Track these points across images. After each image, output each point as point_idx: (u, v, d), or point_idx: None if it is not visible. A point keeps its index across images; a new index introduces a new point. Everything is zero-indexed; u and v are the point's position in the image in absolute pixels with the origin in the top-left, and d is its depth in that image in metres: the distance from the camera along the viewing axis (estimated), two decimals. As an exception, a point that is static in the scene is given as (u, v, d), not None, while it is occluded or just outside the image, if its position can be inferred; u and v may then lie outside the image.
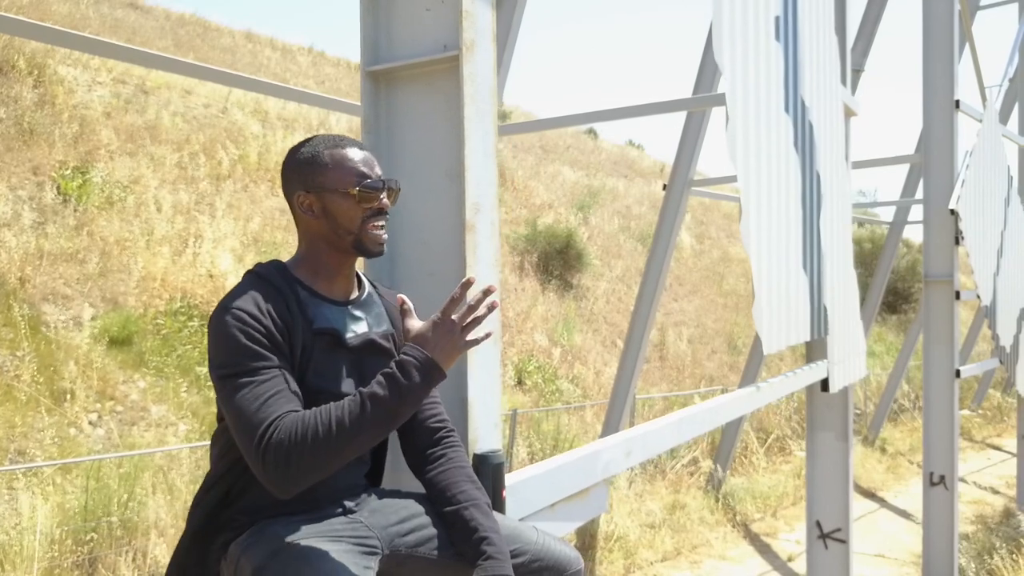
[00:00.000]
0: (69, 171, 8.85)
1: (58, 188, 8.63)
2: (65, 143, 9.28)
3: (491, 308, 1.36)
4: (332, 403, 1.28)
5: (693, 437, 2.84)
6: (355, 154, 1.49)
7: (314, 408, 1.28)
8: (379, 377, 1.30)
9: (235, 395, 1.28)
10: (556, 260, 14.12)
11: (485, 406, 1.72)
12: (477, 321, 1.35)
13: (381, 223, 1.48)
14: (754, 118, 2.98)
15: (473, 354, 1.68)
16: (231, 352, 1.30)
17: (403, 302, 1.54)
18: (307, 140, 1.52)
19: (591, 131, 24.24)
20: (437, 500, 1.49)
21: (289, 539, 1.29)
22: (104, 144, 9.74)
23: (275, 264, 1.49)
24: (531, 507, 1.79)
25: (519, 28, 5.65)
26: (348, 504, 1.45)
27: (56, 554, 5.13)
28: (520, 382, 11.13)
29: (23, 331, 6.87)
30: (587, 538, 7.83)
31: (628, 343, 8.14)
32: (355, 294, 1.54)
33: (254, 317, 1.33)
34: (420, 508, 1.50)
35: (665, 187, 8.10)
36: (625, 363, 8.13)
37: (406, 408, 1.29)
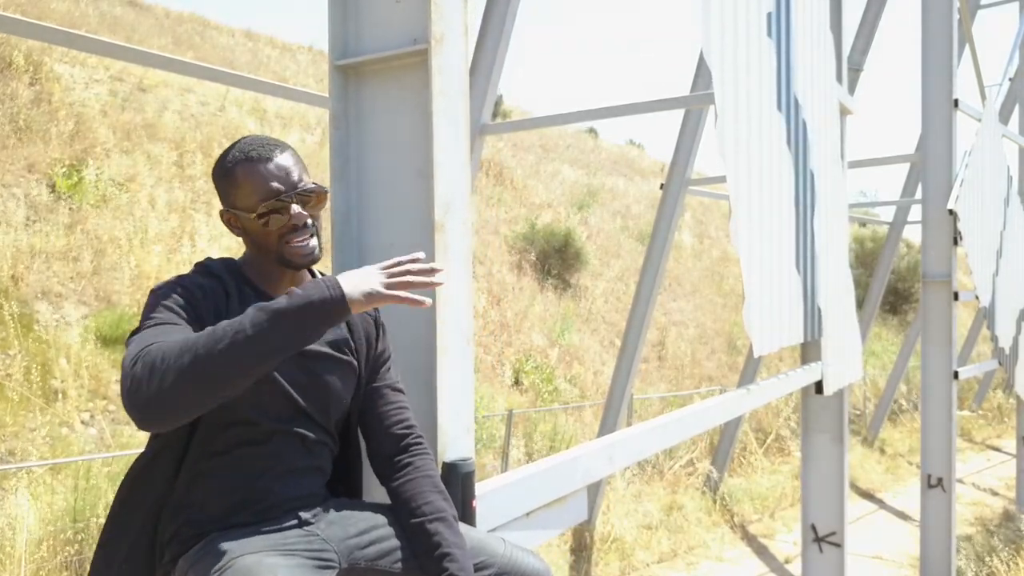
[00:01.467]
0: (64, 169, 8.80)
1: (53, 186, 8.58)
2: (61, 141, 9.23)
3: (427, 276, 1.24)
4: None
5: (680, 441, 2.79)
6: (264, 168, 1.37)
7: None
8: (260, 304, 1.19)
9: (137, 335, 1.23)
10: (554, 259, 14.06)
11: (456, 411, 1.67)
12: (406, 280, 1.22)
13: (301, 238, 1.38)
14: (745, 115, 2.93)
15: (442, 354, 1.63)
16: (152, 310, 1.28)
17: None
18: (233, 145, 1.44)
19: (591, 130, 24.17)
20: (401, 511, 1.43)
21: (238, 553, 1.23)
22: (100, 142, 9.69)
23: (226, 260, 1.45)
24: (505, 516, 1.73)
25: (514, 19, 5.61)
26: (304, 515, 1.39)
27: (45, 554, 5.09)
28: (517, 382, 11.08)
29: (15, 329, 6.82)
30: (583, 539, 7.79)
31: (625, 343, 8.10)
32: None
33: (185, 289, 1.31)
34: (383, 519, 1.44)
35: (663, 186, 8.04)
36: (622, 363, 8.09)
37: (294, 321, 1.14)
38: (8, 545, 4.98)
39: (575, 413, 10.69)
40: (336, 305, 1.16)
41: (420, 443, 1.50)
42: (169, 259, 8.77)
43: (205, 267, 1.41)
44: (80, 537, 5.31)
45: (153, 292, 1.33)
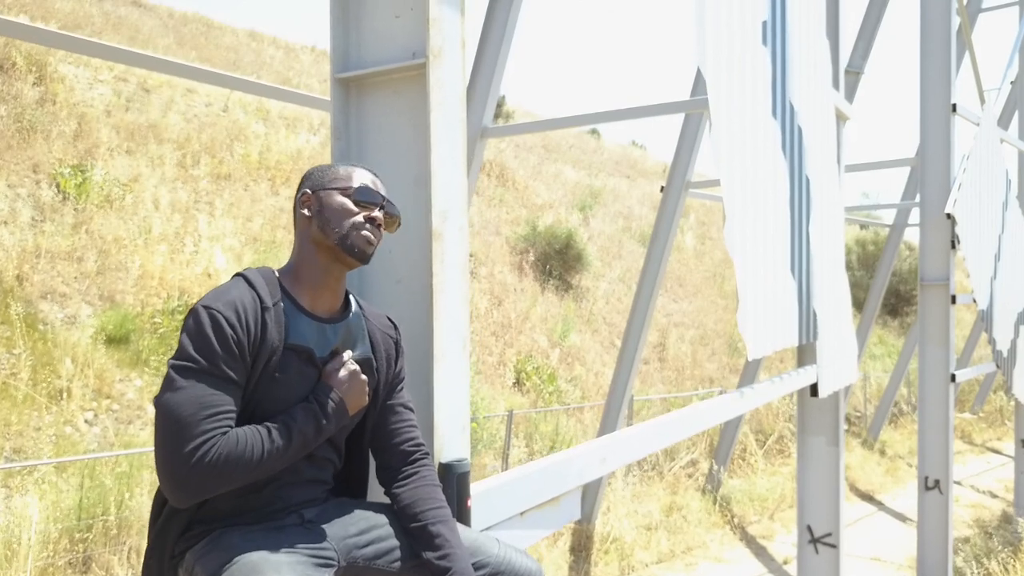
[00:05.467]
0: (68, 169, 8.87)
1: (57, 186, 8.65)
2: (65, 141, 9.30)
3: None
4: (259, 427, 1.35)
5: (673, 443, 2.84)
6: (365, 173, 1.58)
7: (244, 429, 1.33)
8: (303, 413, 1.40)
9: (182, 387, 1.28)
10: (556, 260, 14.11)
11: (451, 411, 1.72)
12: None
13: (371, 233, 1.51)
14: (739, 123, 2.97)
15: (439, 359, 1.68)
16: (198, 348, 1.32)
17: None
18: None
19: (594, 131, 24.19)
20: (403, 515, 1.50)
21: (243, 550, 1.28)
22: (104, 142, 9.76)
23: (264, 271, 1.49)
24: (500, 515, 1.78)
25: (515, 23, 5.66)
26: (306, 514, 1.45)
27: (51, 553, 5.15)
28: (519, 383, 11.12)
29: (20, 329, 6.89)
30: (583, 539, 7.83)
31: (625, 344, 8.14)
32: (338, 312, 1.53)
33: (230, 323, 1.34)
34: (383, 519, 1.50)
35: (663, 189, 8.09)
36: (622, 364, 8.13)
37: (319, 442, 1.44)
38: (15, 542, 5.03)
39: (576, 414, 10.74)
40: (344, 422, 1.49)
41: (426, 457, 1.58)
42: (173, 259, 8.84)
43: (244, 279, 1.44)
44: (86, 536, 5.36)
45: (200, 320, 1.34)
